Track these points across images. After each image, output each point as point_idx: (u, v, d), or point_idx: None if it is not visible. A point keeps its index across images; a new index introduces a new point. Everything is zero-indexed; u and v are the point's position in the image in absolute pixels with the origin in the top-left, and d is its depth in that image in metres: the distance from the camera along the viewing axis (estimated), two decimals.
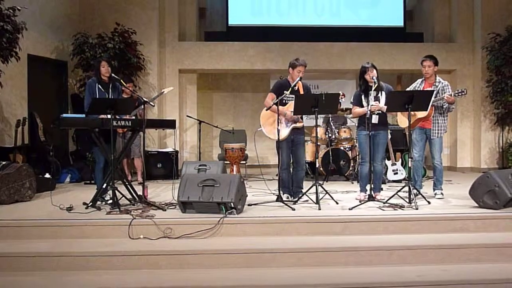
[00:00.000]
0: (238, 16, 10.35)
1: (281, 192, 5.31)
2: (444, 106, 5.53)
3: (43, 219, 4.47)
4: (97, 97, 5.30)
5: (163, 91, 6.11)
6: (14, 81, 7.41)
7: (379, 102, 5.36)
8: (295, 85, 5.37)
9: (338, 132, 8.10)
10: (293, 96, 5.29)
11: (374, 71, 5.36)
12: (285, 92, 5.36)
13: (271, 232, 4.32)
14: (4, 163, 5.63)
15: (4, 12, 6.22)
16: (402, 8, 10.55)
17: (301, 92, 5.53)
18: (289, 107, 5.39)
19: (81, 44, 8.38)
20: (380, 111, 5.37)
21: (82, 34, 8.50)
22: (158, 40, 9.50)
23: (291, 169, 5.68)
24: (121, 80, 5.51)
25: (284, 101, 5.44)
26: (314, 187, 5.08)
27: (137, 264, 3.83)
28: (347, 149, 7.98)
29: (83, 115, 5.11)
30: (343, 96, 5.60)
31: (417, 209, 4.73)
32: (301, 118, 5.54)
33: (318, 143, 6.65)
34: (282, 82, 5.63)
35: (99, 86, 5.40)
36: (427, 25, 10.78)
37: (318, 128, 6.23)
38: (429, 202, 5.14)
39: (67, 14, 8.93)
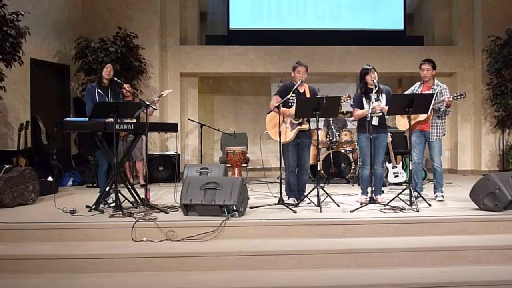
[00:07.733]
0: (239, 20, 10.39)
1: (287, 195, 5.30)
2: (441, 109, 5.57)
3: (46, 222, 4.51)
4: (97, 101, 5.33)
5: (162, 94, 6.19)
6: (17, 85, 7.46)
7: (381, 103, 5.40)
8: (297, 87, 5.40)
9: (339, 135, 8.14)
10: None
11: (376, 73, 5.41)
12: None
13: (273, 234, 4.35)
14: (7, 166, 5.65)
15: (7, 17, 6.26)
16: (402, 12, 10.57)
17: (307, 95, 5.55)
18: (293, 110, 5.41)
19: (83, 48, 8.44)
20: (381, 113, 5.41)
21: (84, 38, 8.58)
22: (160, 44, 9.56)
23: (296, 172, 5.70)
24: (122, 83, 5.55)
25: (289, 104, 5.45)
26: (316, 189, 5.11)
27: (140, 267, 3.86)
28: (348, 151, 8.01)
29: (86, 119, 5.16)
30: (348, 98, 5.60)
31: (417, 211, 4.76)
32: (307, 121, 5.54)
33: (319, 146, 6.66)
34: (287, 85, 5.60)
35: (99, 90, 5.44)
36: (427, 29, 10.83)
37: (319, 131, 6.25)
38: (429, 205, 5.18)
39: (69, 18, 8.99)
